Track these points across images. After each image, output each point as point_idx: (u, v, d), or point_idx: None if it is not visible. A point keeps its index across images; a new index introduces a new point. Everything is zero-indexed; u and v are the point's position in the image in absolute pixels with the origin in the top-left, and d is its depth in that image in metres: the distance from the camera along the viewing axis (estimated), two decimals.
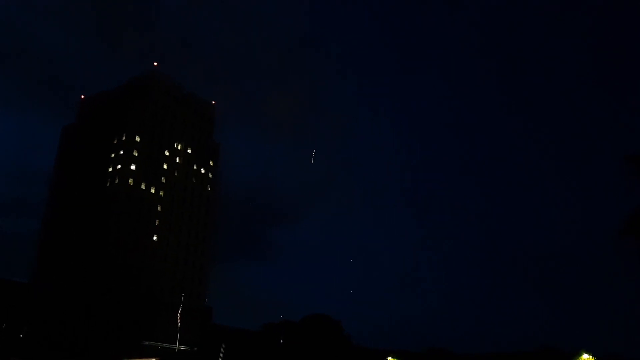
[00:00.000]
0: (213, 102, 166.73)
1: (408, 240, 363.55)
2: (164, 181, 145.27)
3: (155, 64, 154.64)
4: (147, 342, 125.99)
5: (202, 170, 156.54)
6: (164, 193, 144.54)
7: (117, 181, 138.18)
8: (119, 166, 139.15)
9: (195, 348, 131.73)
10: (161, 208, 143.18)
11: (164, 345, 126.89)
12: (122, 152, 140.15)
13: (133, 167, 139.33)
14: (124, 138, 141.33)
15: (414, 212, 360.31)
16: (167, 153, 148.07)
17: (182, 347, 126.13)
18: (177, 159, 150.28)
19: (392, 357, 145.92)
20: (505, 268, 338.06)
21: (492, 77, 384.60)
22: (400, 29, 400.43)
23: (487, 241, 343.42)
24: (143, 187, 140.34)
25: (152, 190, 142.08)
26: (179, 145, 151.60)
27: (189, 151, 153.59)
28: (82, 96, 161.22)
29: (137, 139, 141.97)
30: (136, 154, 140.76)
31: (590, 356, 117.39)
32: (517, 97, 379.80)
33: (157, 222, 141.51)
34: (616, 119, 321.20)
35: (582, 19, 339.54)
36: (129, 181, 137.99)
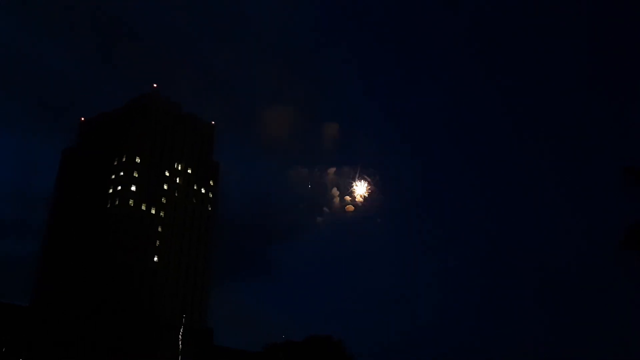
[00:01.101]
0: (212, 122, 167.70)
1: (409, 251, 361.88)
2: (164, 202, 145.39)
3: (155, 85, 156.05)
4: None
5: (202, 190, 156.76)
6: (164, 213, 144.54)
7: (117, 202, 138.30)
8: (119, 187, 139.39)
9: None
10: (162, 229, 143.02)
11: None
12: (122, 174, 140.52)
13: (133, 188, 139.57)
14: (124, 159, 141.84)
15: (415, 223, 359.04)
16: (167, 173, 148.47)
17: None
18: (177, 179, 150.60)
19: None
20: (506, 281, 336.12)
21: (492, 77, 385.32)
22: (400, 30, 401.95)
23: (487, 254, 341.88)
24: (143, 208, 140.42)
25: (153, 211, 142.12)
26: (179, 165, 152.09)
27: (189, 171, 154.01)
28: (82, 118, 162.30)
29: (137, 160, 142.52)
30: (136, 175, 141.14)
31: None
32: (517, 100, 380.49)
33: (157, 242, 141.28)
34: (619, 123, 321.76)
35: (583, 19, 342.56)
36: (130, 202, 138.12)
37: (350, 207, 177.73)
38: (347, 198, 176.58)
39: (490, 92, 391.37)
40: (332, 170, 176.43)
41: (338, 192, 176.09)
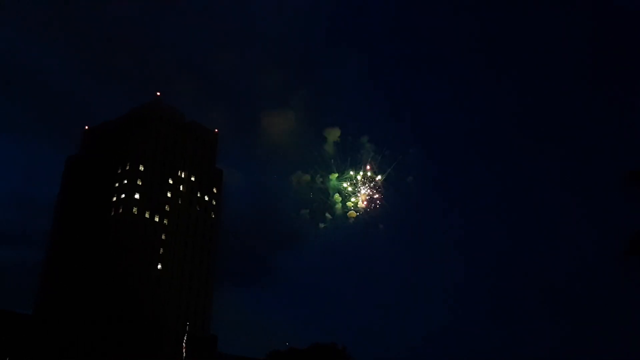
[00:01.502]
0: (215, 130, 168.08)
1: (413, 258, 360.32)
2: (167, 209, 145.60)
3: (158, 93, 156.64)
4: None
5: (206, 198, 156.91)
6: (168, 221, 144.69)
7: (121, 210, 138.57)
8: (123, 195, 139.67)
9: None
10: (165, 236, 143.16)
11: None
12: (125, 182, 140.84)
13: (137, 196, 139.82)
14: (127, 167, 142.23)
15: (419, 229, 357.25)
16: (170, 181, 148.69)
17: None
18: (181, 186, 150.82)
19: None
20: (512, 289, 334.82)
21: (494, 81, 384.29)
22: (402, 35, 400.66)
23: (492, 261, 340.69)
24: (147, 215, 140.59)
25: (156, 219, 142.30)
26: (182, 173, 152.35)
27: (192, 179, 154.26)
28: (86, 127, 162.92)
29: (141, 168, 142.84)
30: (140, 183, 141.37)
31: None
32: (522, 103, 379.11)
33: (161, 250, 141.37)
34: (626, 127, 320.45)
35: (584, 19, 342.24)
36: (133, 210, 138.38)
37: (353, 214, 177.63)
38: (350, 204, 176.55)
39: (494, 97, 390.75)
40: (335, 175, 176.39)
41: (340, 198, 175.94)
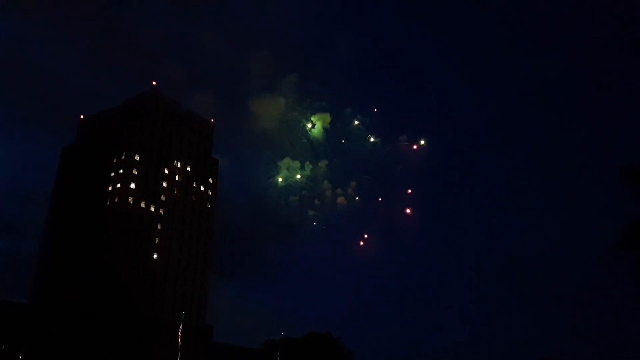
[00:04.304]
0: (212, 120, 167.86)
1: (406, 249, 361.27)
2: (163, 199, 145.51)
3: (154, 83, 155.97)
4: None
5: (202, 188, 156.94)
6: (163, 211, 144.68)
7: (116, 200, 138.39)
8: (119, 185, 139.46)
9: None
10: (161, 226, 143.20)
11: None
12: (121, 171, 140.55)
13: (133, 185, 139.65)
14: (123, 157, 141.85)
15: (409, 218, 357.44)
16: (166, 171, 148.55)
17: None
18: (177, 176, 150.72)
19: None
20: (500, 280, 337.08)
21: (489, 74, 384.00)
22: (393, 24, 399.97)
23: (484, 252, 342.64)
24: (143, 205, 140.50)
25: (152, 209, 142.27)
26: (178, 163, 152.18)
27: (188, 169, 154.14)
28: (82, 116, 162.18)
29: (137, 157, 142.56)
30: (135, 173, 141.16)
31: None
32: (513, 101, 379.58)
33: (157, 240, 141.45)
34: (617, 122, 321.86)
35: (581, 17, 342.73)
36: (129, 200, 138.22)
37: (342, 200, 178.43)
38: (339, 191, 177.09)
39: (485, 92, 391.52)
40: (325, 163, 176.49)
41: (330, 185, 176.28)
